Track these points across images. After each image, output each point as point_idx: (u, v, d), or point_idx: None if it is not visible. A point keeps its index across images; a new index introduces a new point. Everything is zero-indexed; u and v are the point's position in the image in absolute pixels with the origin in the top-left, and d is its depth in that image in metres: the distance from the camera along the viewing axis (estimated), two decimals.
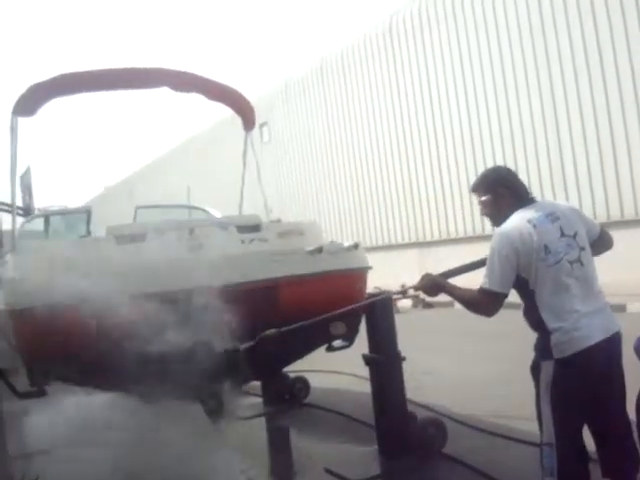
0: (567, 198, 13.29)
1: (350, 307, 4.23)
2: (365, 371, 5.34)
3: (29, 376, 4.27)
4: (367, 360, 5.30)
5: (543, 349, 3.13)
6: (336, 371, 7.89)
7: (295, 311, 4.25)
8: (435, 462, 4.99)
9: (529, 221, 3.10)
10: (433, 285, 3.41)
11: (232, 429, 5.92)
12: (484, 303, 3.16)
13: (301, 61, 22.45)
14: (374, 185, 18.92)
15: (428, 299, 13.82)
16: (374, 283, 5.08)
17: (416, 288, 3.52)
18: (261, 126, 23.09)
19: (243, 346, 3.88)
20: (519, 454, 4.64)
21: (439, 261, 15.99)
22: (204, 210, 7.51)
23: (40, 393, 4.50)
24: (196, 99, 5.94)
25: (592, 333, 3.04)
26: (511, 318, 3.36)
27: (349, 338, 5.05)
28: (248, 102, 6.21)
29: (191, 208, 7.68)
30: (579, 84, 13.08)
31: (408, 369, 5.25)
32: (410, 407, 5.36)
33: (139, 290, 4.04)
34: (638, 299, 10.99)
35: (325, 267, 4.60)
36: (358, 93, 19.20)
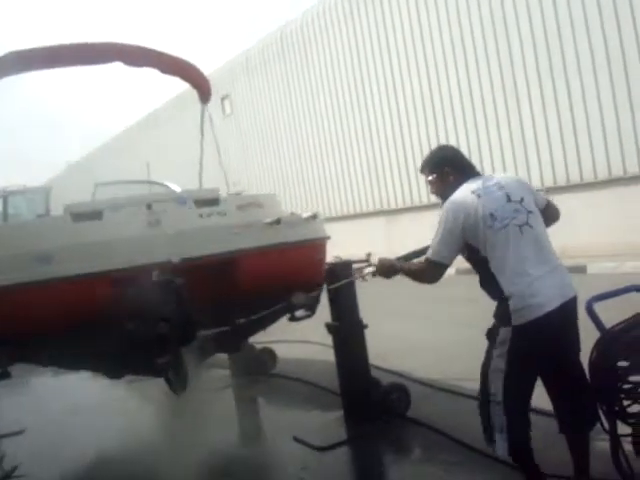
0: (528, 164, 13.49)
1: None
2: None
3: None
4: (329, 328, 5.37)
5: (502, 316, 3.20)
6: (303, 340, 7.97)
7: (255, 283, 4.28)
8: (400, 426, 5.09)
9: (473, 192, 3.22)
10: (388, 267, 3.64)
11: (200, 401, 6.00)
12: (427, 271, 3.36)
13: (261, 32, 22.20)
14: (338, 155, 18.87)
15: None
16: (342, 253, 5.12)
17: (374, 273, 3.79)
18: (223, 99, 22.87)
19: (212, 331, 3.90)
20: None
21: (405, 229, 16.17)
22: (164, 185, 7.44)
23: (4, 375, 4.48)
24: (152, 74, 5.88)
25: (548, 299, 3.11)
26: (474, 283, 3.43)
27: (311, 307, 5.09)
28: (202, 74, 6.17)
29: (151, 183, 7.62)
30: (526, 64, 13.20)
31: (372, 335, 5.33)
32: (374, 372, 5.46)
33: (97, 268, 4.03)
34: (598, 260, 11.19)
35: (284, 238, 4.62)
36: (319, 63, 19.05)
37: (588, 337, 3.43)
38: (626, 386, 3.43)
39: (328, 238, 5.02)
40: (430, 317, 8.91)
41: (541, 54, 13.01)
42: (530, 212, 3.24)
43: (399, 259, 3.77)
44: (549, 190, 11.93)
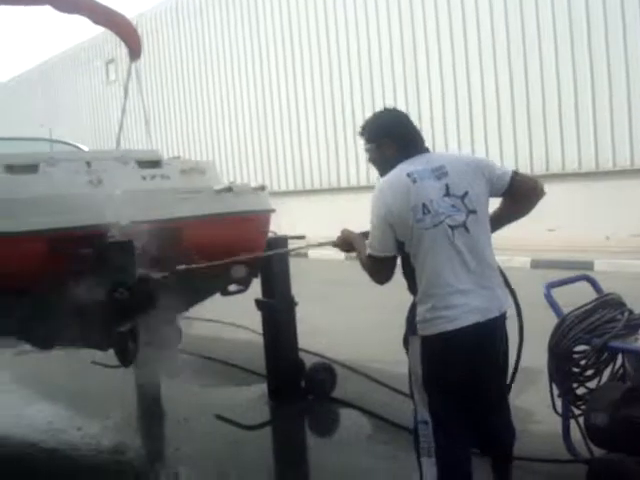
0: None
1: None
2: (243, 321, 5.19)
3: None
4: (260, 305, 5.22)
5: (410, 322, 2.92)
6: (212, 319, 7.68)
7: (198, 252, 4.05)
8: (325, 406, 5.09)
9: (409, 175, 2.82)
10: (348, 243, 3.19)
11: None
12: (373, 270, 2.95)
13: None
14: (229, 133, 18.60)
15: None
16: None
17: (334, 244, 3.29)
18: (107, 63, 21.86)
19: (155, 275, 3.61)
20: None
21: (291, 211, 16.09)
22: (72, 145, 6.94)
23: None
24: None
25: (463, 315, 2.77)
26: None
27: (246, 282, 4.91)
28: (135, 29, 5.84)
29: (56, 142, 7.03)
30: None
31: None
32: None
33: (31, 227, 3.65)
34: (520, 254, 11.68)
35: (232, 208, 4.36)
36: (216, 34, 18.59)
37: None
38: (576, 370, 3.55)
39: (273, 211, 4.84)
40: (340, 301, 8.86)
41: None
42: (472, 212, 2.82)
43: (364, 234, 3.15)
44: None
